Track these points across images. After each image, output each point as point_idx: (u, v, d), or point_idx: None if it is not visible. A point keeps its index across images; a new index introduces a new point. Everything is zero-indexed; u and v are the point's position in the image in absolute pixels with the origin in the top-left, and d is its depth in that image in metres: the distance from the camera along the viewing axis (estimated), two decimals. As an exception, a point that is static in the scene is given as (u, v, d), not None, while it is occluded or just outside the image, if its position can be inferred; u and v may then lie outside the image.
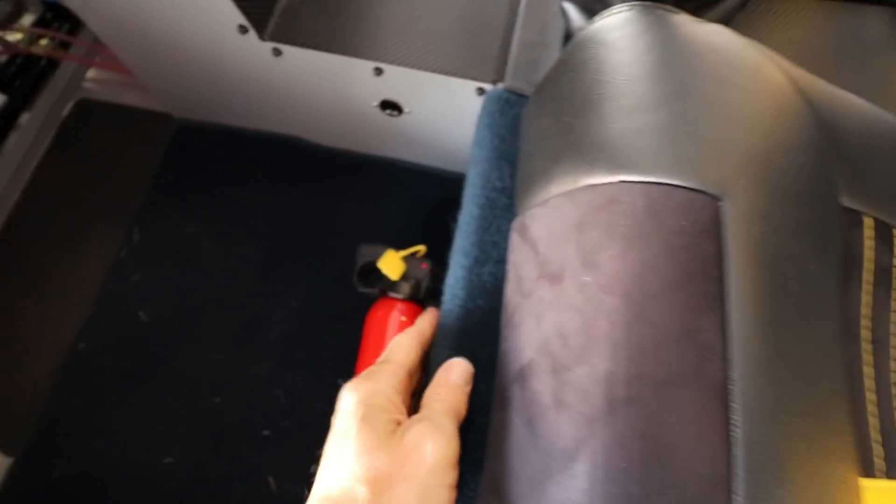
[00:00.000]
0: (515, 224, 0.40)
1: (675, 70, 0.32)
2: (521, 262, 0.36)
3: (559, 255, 0.30)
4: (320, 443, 0.52)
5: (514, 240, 0.38)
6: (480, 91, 0.53)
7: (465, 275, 0.43)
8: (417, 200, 0.71)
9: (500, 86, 0.52)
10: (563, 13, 0.52)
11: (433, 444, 0.27)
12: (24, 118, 0.79)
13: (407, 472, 0.26)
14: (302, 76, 0.57)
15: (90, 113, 0.78)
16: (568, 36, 0.53)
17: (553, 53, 0.53)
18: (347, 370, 0.65)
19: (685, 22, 0.37)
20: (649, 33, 0.35)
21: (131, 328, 0.64)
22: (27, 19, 0.81)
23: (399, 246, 0.61)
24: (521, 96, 0.51)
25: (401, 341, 0.36)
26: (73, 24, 0.85)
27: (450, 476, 0.27)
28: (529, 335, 0.31)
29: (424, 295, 0.55)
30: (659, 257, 0.26)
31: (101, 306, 0.65)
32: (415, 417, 0.29)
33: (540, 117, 0.39)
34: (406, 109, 0.60)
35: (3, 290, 0.67)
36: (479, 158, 0.48)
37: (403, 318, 0.52)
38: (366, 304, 0.66)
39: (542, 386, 0.28)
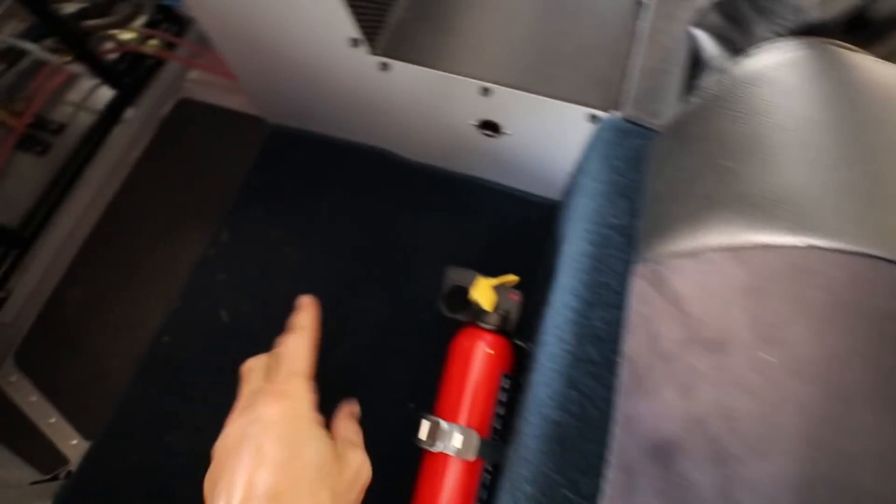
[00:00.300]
0: (643, 271, 0.36)
1: (868, 121, 0.28)
2: (656, 318, 0.32)
3: (721, 321, 0.26)
4: (387, 465, 0.51)
5: (644, 290, 0.35)
6: (592, 118, 0.50)
7: (575, 318, 0.40)
8: (503, 223, 0.69)
9: (616, 114, 0.49)
10: (692, 39, 0.48)
11: (367, 470, 0.37)
12: (129, 113, 0.83)
13: (346, 485, 0.34)
14: (405, 91, 0.56)
15: (189, 112, 0.81)
16: (696, 64, 0.49)
17: (676, 81, 0.49)
18: (419, 393, 0.63)
19: (865, 63, 0.32)
20: (830, 76, 0.30)
21: (212, 327, 0.65)
22: (140, 20, 0.85)
23: (482, 268, 0.58)
24: (640, 126, 0.47)
25: (298, 350, 0.38)
26: (180, 26, 0.89)
27: None
28: (672, 407, 0.28)
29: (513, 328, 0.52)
30: (867, 344, 0.22)
31: (186, 302, 0.66)
32: (348, 442, 0.37)
33: (682, 156, 0.35)
34: (505, 131, 0.57)
35: (97, 277, 0.70)
36: (590, 191, 0.45)
37: (490, 351, 0.50)
38: (444, 324, 0.64)
39: (699, 475, 0.24)
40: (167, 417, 0.61)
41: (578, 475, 0.36)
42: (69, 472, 0.62)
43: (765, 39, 0.42)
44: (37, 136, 0.82)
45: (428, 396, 0.61)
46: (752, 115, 0.31)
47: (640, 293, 0.35)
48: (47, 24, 0.71)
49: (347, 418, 0.41)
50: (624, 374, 0.35)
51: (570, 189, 0.55)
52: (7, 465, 0.63)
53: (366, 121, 0.66)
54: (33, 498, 0.60)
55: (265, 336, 0.64)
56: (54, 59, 0.76)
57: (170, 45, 0.85)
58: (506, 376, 0.50)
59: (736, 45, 0.44)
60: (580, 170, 0.51)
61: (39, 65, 0.87)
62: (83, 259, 0.71)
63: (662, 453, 0.28)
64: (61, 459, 0.64)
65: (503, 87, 0.50)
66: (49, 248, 0.72)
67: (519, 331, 0.54)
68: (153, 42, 0.83)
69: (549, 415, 0.37)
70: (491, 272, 0.56)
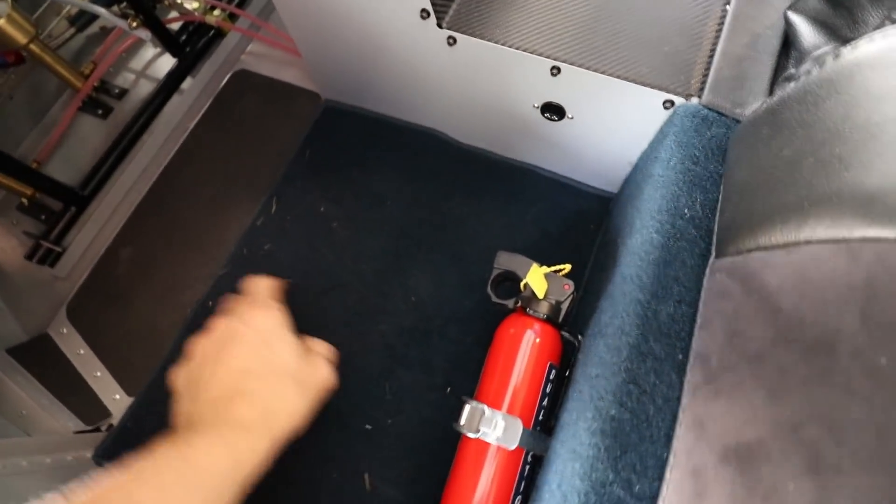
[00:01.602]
0: (724, 265, 0.34)
1: None
2: (738, 315, 0.30)
3: (826, 320, 0.24)
4: (421, 449, 0.58)
5: (724, 285, 0.32)
6: (668, 104, 0.47)
7: (639, 311, 0.38)
8: (554, 213, 0.67)
9: (695, 101, 0.46)
10: (788, 24, 0.44)
11: (331, 378, 0.47)
12: (188, 82, 0.85)
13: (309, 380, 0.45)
14: (470, 68, 0.54)
15: (246, 84, 0.82)
16: (788, 52, 0.46)
17: (764, 70, 0.46)
18: (457, 376, 0.62)
19: None
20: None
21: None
22: (205, -10, 0.86)
23: (529, 258, 0.56)
24: (721, 115, 0.44)
25: (270, 286, 0.50)
26: (242, -2, 0.89)
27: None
28: (758, 410, 0.26)
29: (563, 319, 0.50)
30: None
31: (232, 269, 0.67)
32: (320, 354, 0.48)
33: (779, 144, 0.32)
34: (569, 115, 0.55)
35: (148, 238, 0.72)
36: (663, 179, 0.42)
37: (538, 340, 0.48)
38: (486, 311, 0.63)
39: (790, 484, 0.22)
40: (207, 381, 0.61)
41: (633, 474, 0.34)
42: (110, 425, 0.64)
43: (877, 27, 0.38)
44: (100, 99, 0.85)
45: (467, 382, 0.59)
46: (869, 101, 0.28)
47: (719, 288, 0.33)
48: (119, -11, 0.72)
49: (324, 342, 0.50)
50: (695, 373, 0.32)
51: (634, 179, 0.53)
52: (55, 413, 0.66)
53: (423, 99, 0.65)
54: (76, 447, 0.62)
55: (306, 309, 0.65)
56: (123, 23, 0.78)
57: (231, 17, 0.86)
58: (552, 367, 0.48)
59: (839, 32, 0.41)
60: (649, 159, 0.48)
61: (107, 31, 0.90)
62: (136, 220, 0.73)
63: (742, 458, 0.26)
64: (104, 412, 0.65)
65: (575, 67, 0.48)
66: (105, 208, 0.74)
67: (567, 323, 0.52)
68: (216, 13, 0.84)
69: (605, 409, 0.36)
70: (538, 262, 0.54)
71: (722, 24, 0.50)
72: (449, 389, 0.59)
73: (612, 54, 0.49)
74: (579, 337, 0.49)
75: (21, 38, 0.71)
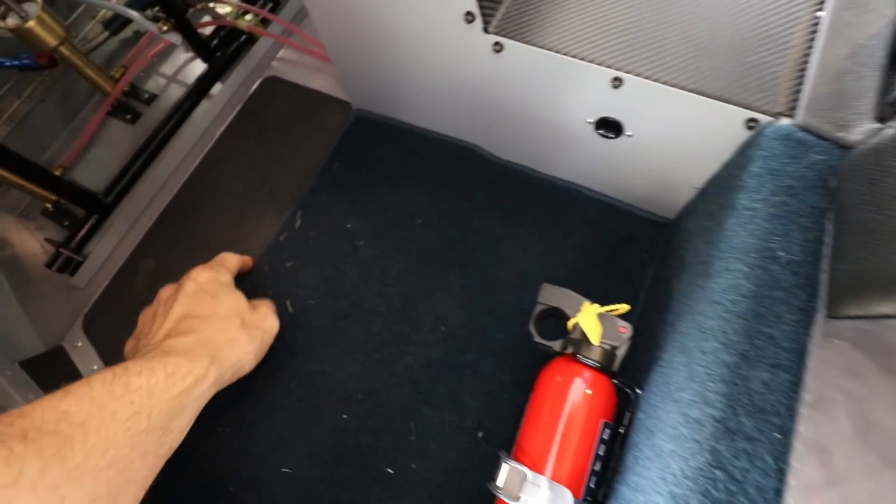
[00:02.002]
0: (844, 330, 0.27)
1: None
2: (876, 402, 0.23)
3: None
4: (445, 500, 0.51)
5: (852, 357, 0.25)
6: (752, 123, 0.40)
7: (726, 375, 0.31)
8: (601, 239, 0.60)
9: (787, 121, 0.39)
10: (905, 33, 0.37)
11: (276, 325, 0.55)
12: (217, 88, 0.82)
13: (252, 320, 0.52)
14: (517, 78, 0.49)
15: (274, 90, 0.78)
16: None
17: (870, 87, 0.39)
18: (490, 420, 0.56)
19: None
20: None
21: (277, 316, 0.61)
22: (238, -6, 0.84)
23: (572, 289, 0.50)
24: (821, 138, 0.37)
25: (231, 257, 0.59)
26: (275, 3, 0.87)
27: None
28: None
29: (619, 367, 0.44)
30: None
31: (252, 286, 0.63)
32: (265, 306, 0.56)
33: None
34: (628, 132, 0.49)
35: (169, 250, 0.69)
36: (750, 213, 0.36)
37: (589, 392, 0.41)
38: (523, 348, 0.57)
39: None
40: (221, 407, 0.57)
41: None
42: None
43: None
44: (129, 104, 0.83)
45: (500, 429, 0.53)
46: None
47: (841, 361, 0.26)
48: (151, -8, 0.70)
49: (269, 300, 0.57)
50: (807, 467, 0.26)
51: (703, 208, 0.46)
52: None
53: (461, 110, 0.60)
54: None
55: (328, 334, 0.60)
56: (153, 27, 0.76)
57: (263, 22, 0.83)
58: (606, 425, 0.41)
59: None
60: (726, 185, 0.41)
61: (140, 36, 0.89)
62: (158, 231, 0.70)
63: None
64: (115, 433, 0.62)
65: (640, 79, 0.42)
66: (127, 216, 0.71)
67: (621, 371, 0.45)
68: (248, 17, 0.82)
69: (682, 497, 0.29)
70: (583, 294, 0.48)
71: (813, 32, 0.43)
72: (481, 434, 0.53)
73: (685, 65, 0.43)
74: (637, 390, 0.42)
75: (51, 41, 0.70)
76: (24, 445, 0.31)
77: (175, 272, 0.65)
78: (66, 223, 0.74)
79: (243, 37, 0.83)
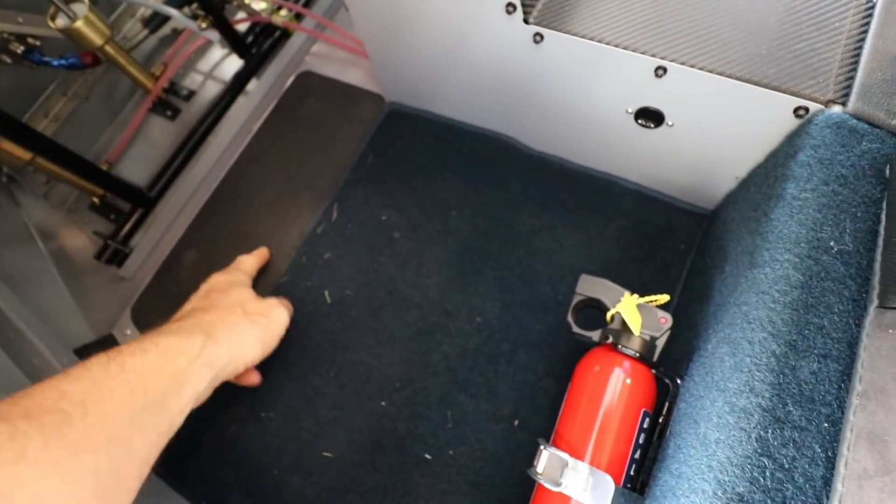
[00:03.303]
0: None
1: None
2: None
3: None
4: (483, 486, 0.52)
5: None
6: (802, 112, 0.39)
7: (774, 365, 0.31)
8: (638, 230, 0.60)
9: (838, 109, 0.38)
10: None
11: (286, 318, 0.57)
12: (253, 84, 0.84)
13: (257, 311, 0.54)
14: (556, 68, 0.49)
15: (308, 85, 0.80)
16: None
17: (928, 71, 0.37)
18: (525, 409, 0.57)
19: None
20: None
21: (315, 306, 0.63)
22: (272, -10, 0.85)
23: (610, 279, 0.50)
24: (874, 126, 0.37)
25: (248, 260, 0.63)
26: (307, -2, 0.88)
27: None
28: None
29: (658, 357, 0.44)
30: None
31: (292, 277, 0.65)
32: (276, 300, 0.58)
33: None
34: (669, 122, 0.48)
35: (211, 241, 0.71)
36: (800, 203, 0.35)
37: (629, 381, 0.42)
38: (559, 336, 0.57)
39: None
40: (264, 393, 0.59)
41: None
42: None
43: None
44: (169, 100, 0.86)
45: (536, 417, 0.54)
46: None
47: (889, 348, 0.26)
48: (190, -10, 0.72)
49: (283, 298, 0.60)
50: (859, 456, 0.26)
51: (747, 198, 0.45)
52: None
53: (497, 102, 0.60)
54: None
55: (365, 323, 0.61)
56: (193, 24, 0.78)
57: (297, 17, 0.84)
58: (646, 414, 0.42)
59: None
60: (771, 175, 0.41)
61: (178, 33, 0.91)
62: (200, 223, 0.72)
63: None
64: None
65: (685, 68, 0.41)
66: (171, 209, 0.74)
67: (661, 361, 0.45)
68: (283, 13, 0.83)
69: (730, 484, 0.29)
70: (621, 285, 0.48)
71: (868, 17, 0.41)
72: (517, 423, 0.54)
73: (731, 52, 0.42)
74: (677, 380, 0.42)
75: (97, 40, 0.72)
76: (27, 423, 0.32)
77: (217, 262, 0.68)
78: (113, 217, 0.78)
79: (278, 32, 0.85)
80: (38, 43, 0.79)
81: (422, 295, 0.61)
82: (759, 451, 0.29)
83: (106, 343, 0.68)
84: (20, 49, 0.77)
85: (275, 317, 0.55)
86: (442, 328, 0.59)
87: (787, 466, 0.29)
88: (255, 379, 0.57)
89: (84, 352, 0.66)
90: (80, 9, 0.70)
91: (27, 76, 0.82)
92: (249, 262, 0.63)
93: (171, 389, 0.42)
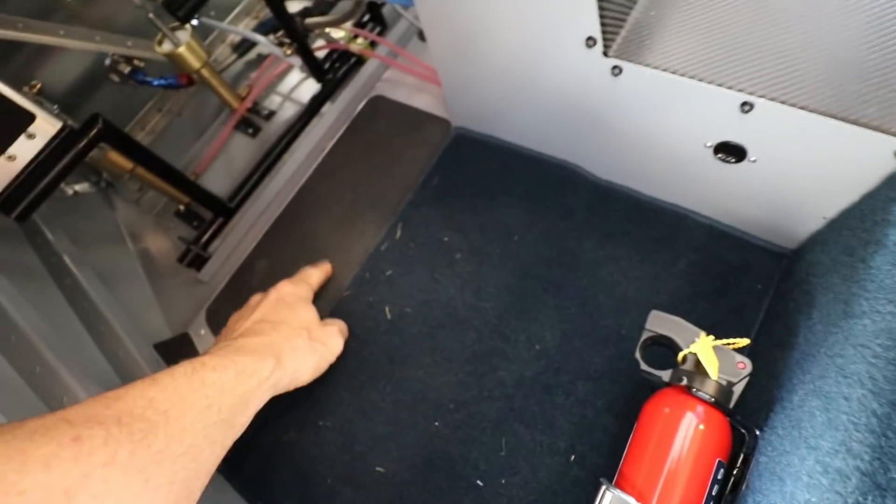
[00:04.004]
0: None
1: None
2: None
3: None
4: None
5: None
6: (905, 153, 0.37)
7: (874, 426, 0.29)
8: (711, 267, 0.57)
9: (950, 152, 0.35)
10: None
11: (339, 346, 0.60)
12: (327, 106, 0.89)
13: (319, 336, 0.58)
14: (634, 101, 0.49)
15: (380, 109, 0.83)
16: None
17: None
18: (583, 445, 0.55)
19: None
20: None
21: (375, 321, 0.64)
22: (351, 20, 0.90)
23: (680, 316, 0.48)
24: None
25: (313, 273, 0.66)
26: (382, 27, 0.92)
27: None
28: None
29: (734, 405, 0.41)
30: None
31: (355, 292, 0.67)
32: (336, 327, 0.61)
33: None
34: (751, 157, 0.47)
35: (282, 252, 0.75)
36: (904, 251, 0.33)
37: (702, 428, 0.40)
38: (621, 371, 0.55)
39: None
40: (323, 402, 0.61)
41: None
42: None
43: None
44: (251, 119, 0.92)
45: (593, 455, 0.52)
46: None
47: None
48: (280, 20, 0.77)
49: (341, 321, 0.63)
50: None
51: (838, 241, 0.43)
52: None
53: (566, 131, 0.60)
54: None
55: (423, 341, 0.62)
56: (279, 51, 0.84)
57: (371, 45, 0.89)
58: (721, 464, 0.39)
59: None
60: (868, 219, 0.38)
61: (261, 58, 0.98)
62: (273, 234, 0.76)
63: None
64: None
65: (774, 104, 0.40)
66: (247, 220, 0.78)
67: (736, 409, 0.43)
68: (359, 41, 0.88)
69: (822, 551, 0.27)
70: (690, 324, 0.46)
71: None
72: (573, 458, 0.52)
73: (824, 89, 0.40)
74: (756, 431, 0.40)
75: (196, 64, 0.79)
76: (118, 428, 0.34)
77: (287, 272, 0.71)
78: (195, 224, 0.84)
79: (353, 59, 0.90)
80: (142, 64, 0.87)
81: (480, 318, 0.62)
82: (857, 521, 0.27)
83: (181, 341, 0.72)
84: (127, 69, 0.86)
85: (331, 346, 0.58)
86: (499, 353, 0.59)
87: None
88: None
89: (162, 347, 0.71)
90: (184, 35, 0.77)
91: (130, 93, 0.92)
92: (315, 276, 0.66)
93: (239, 408, 0.44)
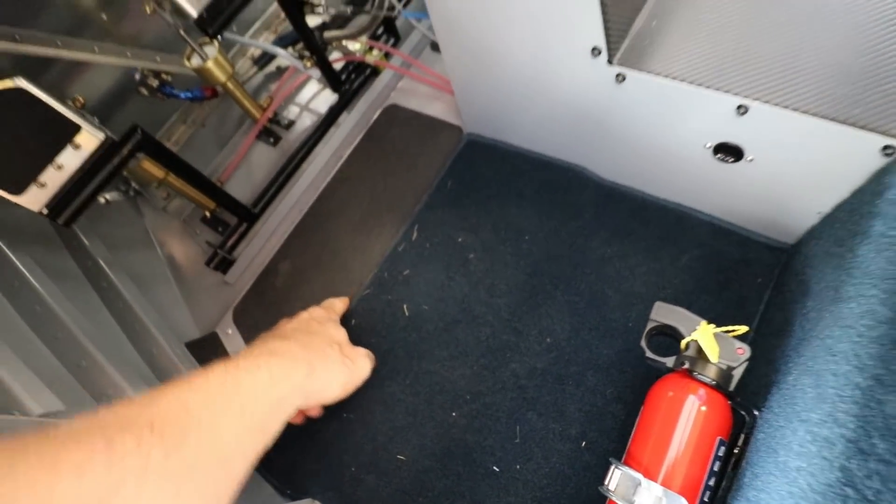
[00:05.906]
0: None
1: None
2: None
3: None
4: (547, 502, 0.54)
5: None
6: (890, 150, 0.40)
7: (859, 398, 0.31)
8: (712, 262, 0.60)
9: (931, 149, 0.38)
10: None
11: (368, 370, 0.60)
12: (344, 117, 0.93)
13: (350, 355, 0.58)
14: (637, 106, 0.52)
15: (395, 117, 0.87)
16: None
17: None
18: (593, 431, 0.58)
19: None
20: None
21: (394, 318, 0.68)
22: (367, 33, 0.95)
23: (684, 308, 0.51)
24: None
25: (338, 302, 0.68)
26: (396, 39, 0.97)
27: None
28: None
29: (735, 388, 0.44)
30: None
31: (374, 291, 0.71)
32: (364, 350, 0.62)
33: None
34: (749, 157, 0.50)
35: (304, 254, 0.79)
36: (888, 241, 0.36)
37: (704, 409, 0.43)
38: (628, 362, 0.58)
39: None
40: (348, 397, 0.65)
41: None
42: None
43: None
44: (272, 129, 0.97)
45: (603, 440, 0.55)
46: None
47: None
48: (300, 34, 0.82)
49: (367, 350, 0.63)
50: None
51: (830, 233, 0.45)
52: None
53: (574, 135, 0.64)
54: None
55: (439, 337, 0.66)
56: (299, 63, 0.89)
57: (386, 56, 0.93)
58: (721, 442, 0.42)
59: None
60: (857, 212, 0.41)
61: (280, 70, 1.03)
62: (295, 238, 0.80)
63: None
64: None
65: (768, 106, 0.43)
66: (270, 225, 0.83)
67: (737, 393, 0.45)
68: (374, 52, 0.92)
69: (812, 511, 0.30)
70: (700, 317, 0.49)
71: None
72: (584, 444, 0.55)
73: (815, 92, 0.43)
74: (754, 412, 0.42)
75: (221, 77, 0.84)
76: (151, 433, 0.33)
77: (308, 274, 0.75)
78: (220, 229, 0.88)
79: (368, 70, 0.94)
80: (170, 78, 0.92)
81: (493, 313, 0.65)
82: (841, 480, 0.30)
83: (211, 341, 0.77)
84: (155, 83, 0.91)
85: (360, 366, 0.58)
86: (512, 346, 0.62)
87: (870, 499, 0.29)
88: (317, 412, 0.60)
89: (194, 346, 0.75)
90: (211, 50, 0.82)
91: (157, 106, 0.97)
92: (339, 306, 0.68)
93: (270, 414, 0.43)
